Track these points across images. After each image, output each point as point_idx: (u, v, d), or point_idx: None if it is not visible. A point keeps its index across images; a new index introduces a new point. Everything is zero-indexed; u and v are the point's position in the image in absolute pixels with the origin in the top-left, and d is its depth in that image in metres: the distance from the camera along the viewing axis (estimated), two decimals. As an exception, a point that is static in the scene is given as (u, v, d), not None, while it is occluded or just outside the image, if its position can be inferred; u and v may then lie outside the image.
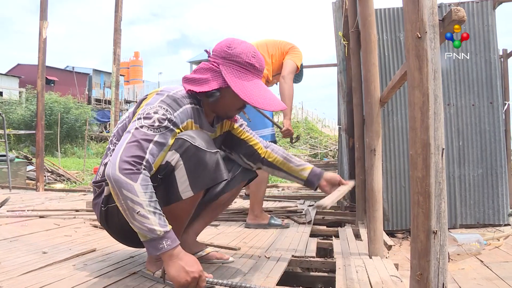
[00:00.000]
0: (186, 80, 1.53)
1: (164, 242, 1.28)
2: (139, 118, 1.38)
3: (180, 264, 1.30)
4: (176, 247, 1.31)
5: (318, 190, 1.78)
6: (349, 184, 1.75)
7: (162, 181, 1.41)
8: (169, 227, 1.29)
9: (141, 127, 1.36)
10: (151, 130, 1.36)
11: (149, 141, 1.34)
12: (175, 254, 1.30)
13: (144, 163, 1.31)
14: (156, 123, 1.37)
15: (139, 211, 1.25)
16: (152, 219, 1.26)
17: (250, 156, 1.78)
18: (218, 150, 1.49)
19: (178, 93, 1.48)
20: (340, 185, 1.74)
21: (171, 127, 1.40)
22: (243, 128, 1.80)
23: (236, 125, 1.77)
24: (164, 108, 1.40)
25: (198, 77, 1.51)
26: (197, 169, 1.41)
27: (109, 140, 1.59)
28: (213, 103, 1.54)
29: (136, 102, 1.60)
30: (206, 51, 1.59)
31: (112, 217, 1.50)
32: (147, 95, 1.53)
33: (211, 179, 1.43)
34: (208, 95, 1.50)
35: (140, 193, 1.26)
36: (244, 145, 1.78)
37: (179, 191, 1.41)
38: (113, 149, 1.52)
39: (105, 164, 1.53)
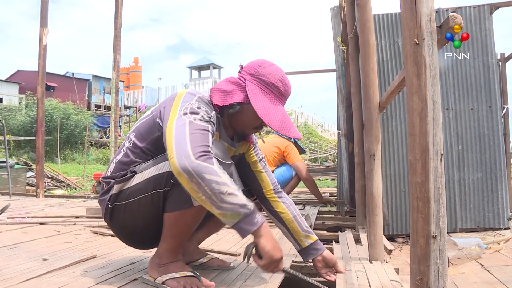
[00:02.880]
0: (213, 90, 1.54)
1: (257, 215, 1.29)
2: (185, 113, 1.38)
3: (274, 240, 1.31)
4: (265, 221, 1.32)
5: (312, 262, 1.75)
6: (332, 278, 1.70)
7: (175, 187, 1.41)
8: (252, 202, 1.31)
9: (194, 120, 1.37)
10: (203, 122, 1.38)
11: (207, 131, 1.36)
12: (268, 228, 1.32)
13: (210, 150, 1.32)
14: (206, 117, 1.40)
15: (227, 191, 1.25)
16: (240, 195, 1.27)
17: (255, 191, 1.76)
18: (233, 162, 1.51)
19: (205, 97, 1.51)
20: (334, 268, 1.72)
21: (214, 124, 1.44)
22: (258, 158, 1.76)
23: (252, 151, 1.75)
24: (203, 106, 1.43)
25: (224, 89, 1.52)
26: None
27: (126, 137, 1.60)
28: (232, 117, 1.56)
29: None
30: (240, 66, 1.61)
31: (118, 216, 1.51)
32: (176, 96, 1.52)
33: None
34: (228, 107, 1.52)
35: (221, 173, 1.27)
36: (253, 178, 1.76)
37: (191, 198, 1.39)
38: (128, 147, 1.54)
39: (118, 162, 1.55)
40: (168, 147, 1.30)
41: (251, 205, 1.28)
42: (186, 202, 1.40)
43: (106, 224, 1.62)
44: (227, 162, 1.46)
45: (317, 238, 1.75)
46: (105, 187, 1.56)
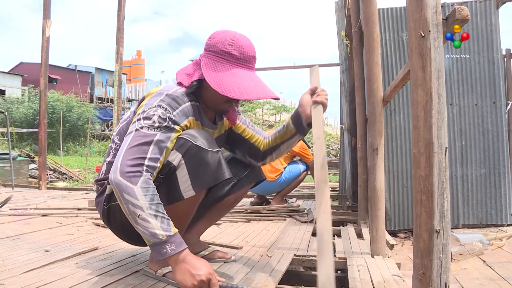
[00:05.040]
0: (177, 74, 1.52)
1: (167, 246, 1.25)
2: (139, 119, 1.37)
3: (185, 268, 1.27)
4: (182, 252, 1.28)
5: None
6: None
7: (164, 181, 1.40)
8: (173, 231, 1.26)
9: (141, 128, 1.35)
10: (152, 129, 1.35)
11: (150, 142, 1.33)
12: (180, 258, 1.27)
13: (146, 163, 1.30)
14: (157, 123, 1.36)
15: (140, 215, 1.24)
16: (153, 223, 1.24)
17: (253, 154, 1.74)
18: (220, 149, 1.48)
19: (178, 91, 1.46)
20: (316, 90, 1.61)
21: (172, 125, 1.39)
22: (246, 125, 1.75)
23: (237, 122, 1.73)
24: (163, 107, 1.39)
25: (186, 72, 1.51)
26: (198, 169, 1.40)
27: (111, 139, 1.58)
28: (202, 97, 1.52)
29: (138, 100, 1.59)
30: None
31: (114, 215, 1.50)
32: (145, 95, 1.51)
33: (213, 178, 1.42)
34: (188, 87, 1.47)
35: (140, 196, 1.25)
36: (247, 144, 1.74)
37: (180, 190, 1.40)
38: (115, 148, 1.52)
39: (108, 163, 1.53)
40: None
41: (164, 234, 1.24)
42: (175, 196, 1.40)
43: (106, 225, 1.61)
44: (214, 150, 1.43)
45: (289, 117, 1.67)
46: (99, 189, 1.55)
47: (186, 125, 1.45)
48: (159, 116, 1.37)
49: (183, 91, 1.47)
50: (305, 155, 3.96)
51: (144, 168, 1.29)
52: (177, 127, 1.41)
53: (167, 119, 1.38)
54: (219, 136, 1.67)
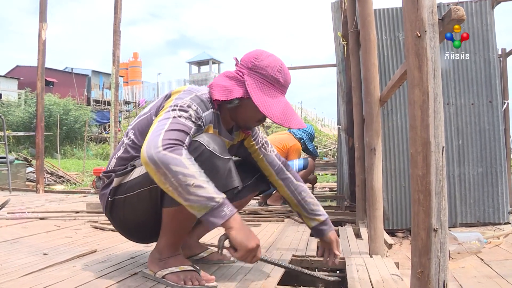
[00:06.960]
0: (214, 86, 1.52)
1: (225, 208, 1.25)
2: (174, 110, 1.39)
3: (247, 229, 1.28)
4: (236, 212, 1.29)
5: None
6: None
7: None
8: (224, 194, 1.28)
9: (179, 116, 1.37)
10: (189, 121, 1.38)
11: (187, 132, 1.35)
12: (238, 219, 1.28)
13: (185, 144, 1.31)
14: (193, 117, 1.39)
15: (193, 183, 1.23)
16: (208, 188, 1.25)
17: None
18: (232, 157, 1.49)
19: (204, 95, 1.49)
20: (330, 252, 1.73)
21: (202, 125, 1.43)
22: (258, 145, 1.73)
23: (250, 138, 1.72)
24: (195, 106, 1.42)
25: (223, 85, 1.50)
26: (209, 174, 1.39)
27: (125, 134, 1.58)
28: (234, 112, 1.55)
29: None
30: (235, 58, 1.58)
31: (117, 209, 1.51)
32: (172, 92, 1.52)
33: (222, 185, 1.42)
34: (227, 102, 1.50)
35: (189, 165, 1.25)
36: (257, 165, 1.76)
37: None
38: (128, 144, 1.53)
39: (118, 158, 1.54)
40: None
41: (220, 197, 1.25)
42: None
43: (107, 218, 1.62)
44: (226, 157, 1.44)
45: (323, 219, 1.73)
46: (106, 181, 1.56)
47: (205, 130, 1.48)
48: (194, 112, 1.41)
49: (208, 97, 1.50)
50: (289, 155, 4.02)
51: (184, 145, 1.31)
52: (203, 128, 1.45)
53: (201, 118, 1.43)
54: (232, 146, 1.67)
